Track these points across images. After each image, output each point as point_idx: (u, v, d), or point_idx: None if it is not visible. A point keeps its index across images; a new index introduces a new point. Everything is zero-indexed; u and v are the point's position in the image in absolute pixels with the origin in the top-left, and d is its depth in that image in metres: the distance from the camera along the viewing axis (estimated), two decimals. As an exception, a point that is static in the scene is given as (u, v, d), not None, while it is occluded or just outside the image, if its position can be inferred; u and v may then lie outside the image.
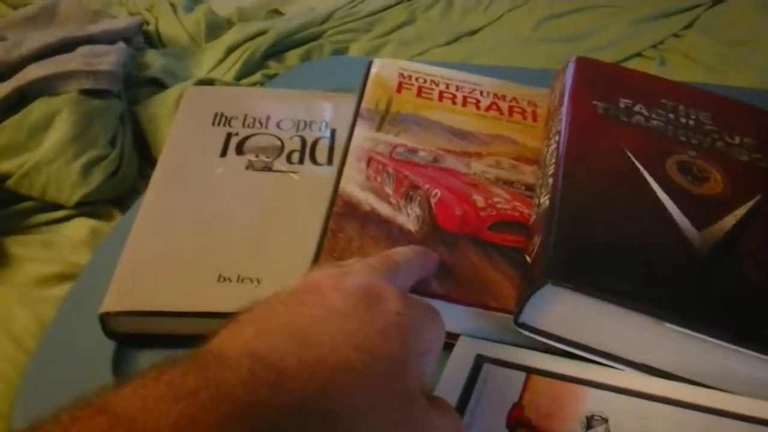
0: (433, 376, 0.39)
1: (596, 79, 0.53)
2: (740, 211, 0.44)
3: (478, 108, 0.55)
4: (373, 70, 0.57)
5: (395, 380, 0.29)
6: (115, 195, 0.58)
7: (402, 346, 0.30)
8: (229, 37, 0.73)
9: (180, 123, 0.57)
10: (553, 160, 0.46)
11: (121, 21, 0.71)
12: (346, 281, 0.32)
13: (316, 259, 0.42)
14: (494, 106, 0.56)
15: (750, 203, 0.44)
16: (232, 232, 0.48)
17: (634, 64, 0.73)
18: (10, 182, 0.56)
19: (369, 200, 0.46)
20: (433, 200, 0.47)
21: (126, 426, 0.23)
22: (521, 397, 0.39)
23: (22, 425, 0.39)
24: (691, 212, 0.43)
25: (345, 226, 0.44)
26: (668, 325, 0.37)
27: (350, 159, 0.49)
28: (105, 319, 0.44)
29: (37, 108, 0.57)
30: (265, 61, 0.72)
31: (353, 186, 0.47)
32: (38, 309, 0.49)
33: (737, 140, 0.50)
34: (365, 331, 0.30)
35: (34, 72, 0.58)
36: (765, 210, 0.44)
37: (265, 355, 0.27)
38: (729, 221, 0.43)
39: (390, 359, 0.29)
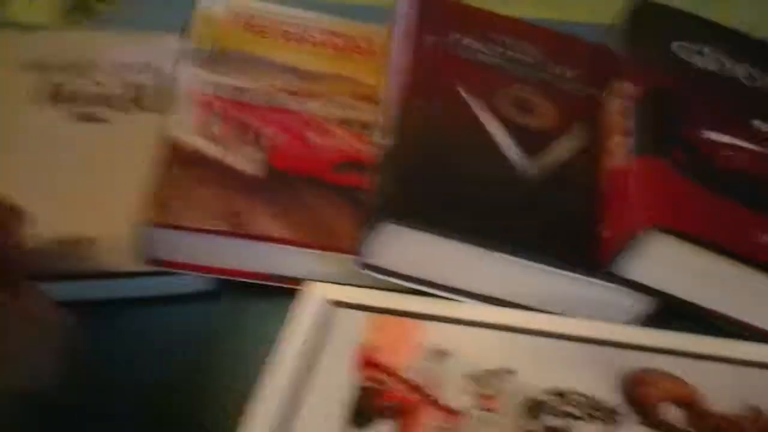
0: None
1: (427, 14, 0.52)
2: (568, 141, 0.45)
3: (313, 45, 0.53)
4: (200, 5, 0.54)
5: None
6: None
7: None
8: (40, -27, 0.66)
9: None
10: (388, 99, 0.45)
11: None
12: None
13: (146, 209, 0.39)
14: (329, 43, 0.54)
15: (579, 133, 0.46)
16: (57, 190, 0.44)
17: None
18: None
19: (198, 143, 0.44)
20: (265, 142, 0.45)
21: None
22: (368, 337, 0.39)
23: None
24: (521, 143, 0.44)
25: (175, 171, 0.42)
26: (497, 254, 0.38)
27: (177, 102, 0.46)
28: None
29: None
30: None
31: (181, 129, 0.44)
32: None
33: (565, 72, 0.51)
34: None
35: None
36: (588, 137, 0.46)
37: None
38: (555, 149, 0.45)
39: None
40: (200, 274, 0.42)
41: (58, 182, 0.45)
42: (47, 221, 0.42)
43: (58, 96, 0.50)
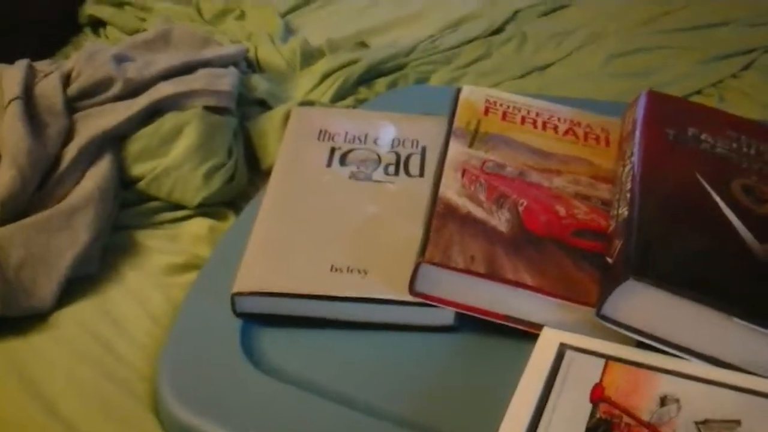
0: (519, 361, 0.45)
1: (666, 110, 0.59)
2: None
3: (556, 132, 0.62)
4: (463, 94, 0.64)
5: None
6: (230, 199, 0.65)
7: None
8: (323, 65, 0.81)
9: (290, 137, 0.65)
10: (630, 177, 0.52)
11: (230, 48, 0.80)
12: None
13: (423, 250, 0.49)
14: (571, 131, 0.62)
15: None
16: (341, 229, 0.55)
17: (695, 101, 0.78)
18: (142, 184, 0.64)
19: (465, 204, 0.53)
20: (520, 208, 0.53)
21: None
22: (602, 379, 0.44)
23: (168, 389, 0.46)
24: (755, 228, 0.49)
25: (447, 224, 0.51)
26: (736, 320, 0.43)
27: (446, 169, 0.56)
28: (235, 299, 0.51)
29: (168, 120, 0.65)
30: (356, 87, 0.80)
31: (451, 192, 0.54)
32: (169, 293, 0.56)
33: (795, 168, 0.55)
34: None
35: (164, 89, 0.67)
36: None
37: None
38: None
39: None
40: (453, 309, 0.50)
41: (340, 224, 0.55)
42: (330, 254, 0.52)
43: (344, 160, 0.62)
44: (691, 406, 0.42)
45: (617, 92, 0.77)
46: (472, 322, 0.50)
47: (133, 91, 0.67)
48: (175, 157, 0.63)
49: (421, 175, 0.61)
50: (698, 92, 0.80)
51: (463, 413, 0.47)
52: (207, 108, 0.67)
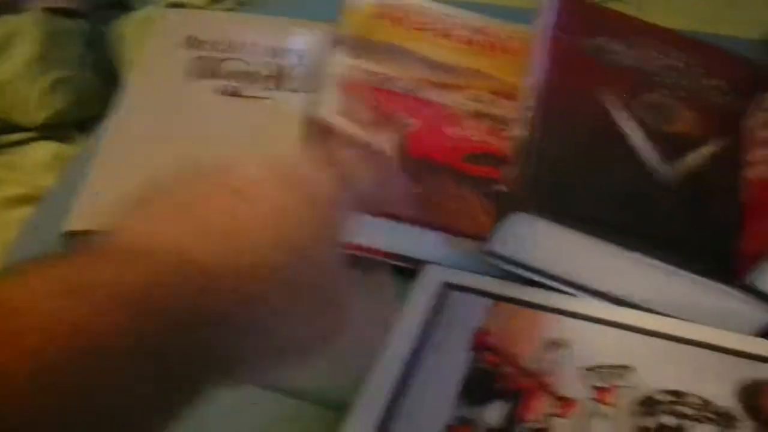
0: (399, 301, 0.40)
1: (577, 16, 0.52)
2: (708, 149, 0.44)
3: (458, 41, 0.55)
4: (350, -3, 0.56)
5: (324, 283, 0.30)
6: (80, 118, 0.57)
7: (332, 248, 0.30)
8: (202, -39, 0.71)
9: (150, 45, 0.56)
10: (527, 96, 0.46)
11: (88, -60, 0.69)
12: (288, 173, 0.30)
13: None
14: (474, 40, 0.55)
15: (719, 142, 0.45)
16: (202, 156, 0.47)
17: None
18: (-29, 101, 0.54)
19: (345, 125, 0.46)
20: (406, 129, 0.46)
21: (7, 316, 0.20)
22: (486, 323, 0.40)
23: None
24: (660, 147, 0.44)
25: (321, 148, 0.44)
26: (631, 253, 0.38)
27: (327, 85, 0.48)
28: (68, 238, 0.43)
29: (-1, 26, 0.55)
30: (238, -12, 0.70)
31: (329, 111, 0.46)
32: (6, 230, 0.48)
33: (710, 82, 0.50)
34: (302, 234, 0.28)
35: (-5, -14, 0.56)
36: (733, 150, 0.45)
37: (195, 256, 0.25)
38: (696, 158, 0.44)
39: (322, 263, 0.29)
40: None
41: (202, 149, 0.47)
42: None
43: (207, 72, 0.54)
44: (580, 350, 0.38)
45: (529, -2, 0.69)
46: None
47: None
48: (10, 69, 0.54)
49: (304, 90, 0.53)
50: (616, -1, 0.74)
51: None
52: (50, 10, 0.57)
